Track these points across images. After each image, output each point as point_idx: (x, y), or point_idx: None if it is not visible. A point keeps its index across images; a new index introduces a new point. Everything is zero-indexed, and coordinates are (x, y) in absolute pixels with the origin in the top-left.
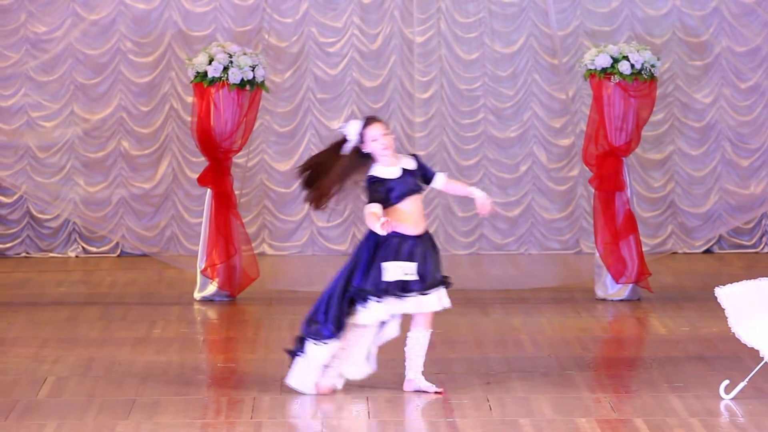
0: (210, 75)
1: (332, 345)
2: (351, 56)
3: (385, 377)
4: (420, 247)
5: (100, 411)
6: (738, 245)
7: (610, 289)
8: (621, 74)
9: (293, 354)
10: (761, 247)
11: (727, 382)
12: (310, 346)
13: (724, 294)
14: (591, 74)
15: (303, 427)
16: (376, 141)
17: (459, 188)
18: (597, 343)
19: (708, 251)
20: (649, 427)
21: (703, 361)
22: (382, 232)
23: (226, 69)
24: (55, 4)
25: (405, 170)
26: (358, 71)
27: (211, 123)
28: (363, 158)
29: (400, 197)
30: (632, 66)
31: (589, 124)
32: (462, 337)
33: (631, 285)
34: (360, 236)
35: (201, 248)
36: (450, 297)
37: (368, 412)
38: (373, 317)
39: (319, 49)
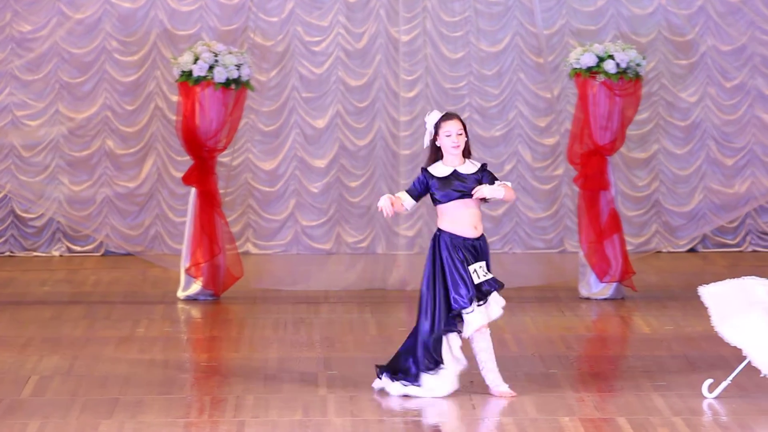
0: (195, 74)
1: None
2: (336, 55)
3: (370, 376)
4: (479, 248)
5: (84, 410)
6: (722, 244)
7: (594, 287)
8: (606, 73)
9: (396, 378)
10: (745, 246)
11: (710, 381)
12: (426, 377)
13: (708, 293)
14: (576, 73)
15: (286, 426)
16: (450, 136)
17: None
18: (581, 342)
19: (692, 250)
20: (632, 426)
21: (686, 360)
22: (381, 203)
23: (211, 68)
24: (41, 3)
25: (457, 173)
26: (344, 70)
27: (196, 122)
28: (437, 151)
29: (444, 198)
30: (617, 65)
31: (574, 123)
32: None
33: (615, 284)
34: (344, 235)
35: (185, 247)
36: None
37: (351, 411)
38: (483, 318)
39: (304, 48)
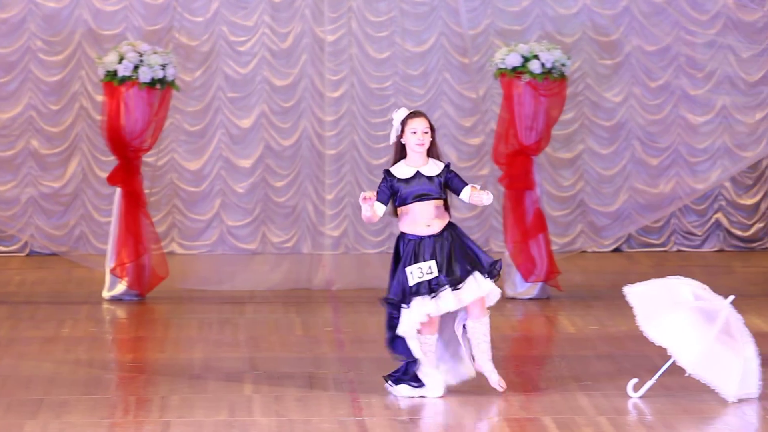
0: (120, 74)
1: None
2: (262, 55)
3: (295, 376)
4: (439, 245)
5: (8, 411)
6: (647, 244)
7: (519, 287)
8: (531, 73)
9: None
10: (670, 245)
11: (635, 380)
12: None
13: (633, 293)
14: (501, 73)
15: (211, 426)
16: (415, 134)
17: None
18: (506, 341)
19: (617, 250)
20: (557, 425)
21: (611, 359)
22: (364, 209)
23: (136, 68)
24: None
25: (420, 174)
26: (269, 70)
27: (121, 122)
28: (401, 149)
29: (406, 199)
30: (542, 65)
31: (500, 123)
32: (371, 336)
33: (540, 283)
34: (270, 235)
35: (110, 247)
36: (359, 296)
37: (276, 411)
38: (410, 323)
39: (229, 47)
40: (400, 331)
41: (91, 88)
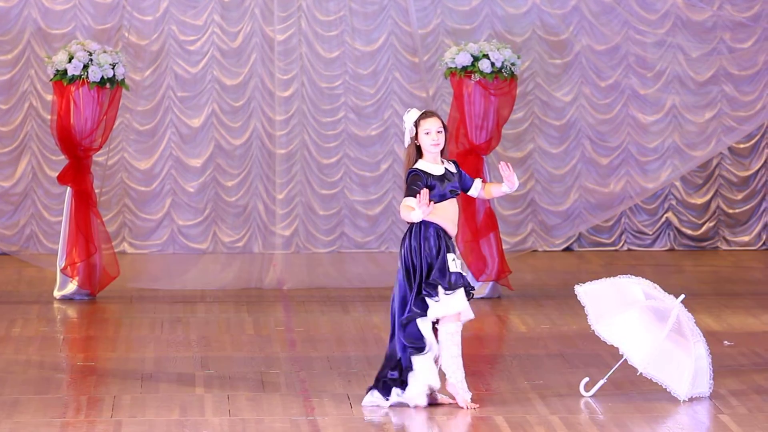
0: (70, 73)
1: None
2: (211, 54)
3: (246, 376)
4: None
5: None
6: (597, 243)
7: None
8: (481, 72)
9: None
10: (620, 245)
11: (586, 379)
12: (416, 359)
13: (584, 291)
14: (451, 72)
15: (163, 425)
16: (429, 134)
17: (495, 191)
18: None
19: (568, 249)
20: (509, 424)
21: (562, 358)
22: (420, 216)
23: (86, 67)
24: None
25: (448, 171)
26: (219, 69)
27: (71, 121)
28: (418, 151)
29: (441, 197)
30: (492, 64)
31: (450, 123)
32: (323, 335)
33: (491, 283)
34: (221, 234)
35: (61, 246)
36: (311, 295)
37: (228, 411)
38: (450, 308)
39: (179, 47)
40: (435, 314)
41: (41, 87)
